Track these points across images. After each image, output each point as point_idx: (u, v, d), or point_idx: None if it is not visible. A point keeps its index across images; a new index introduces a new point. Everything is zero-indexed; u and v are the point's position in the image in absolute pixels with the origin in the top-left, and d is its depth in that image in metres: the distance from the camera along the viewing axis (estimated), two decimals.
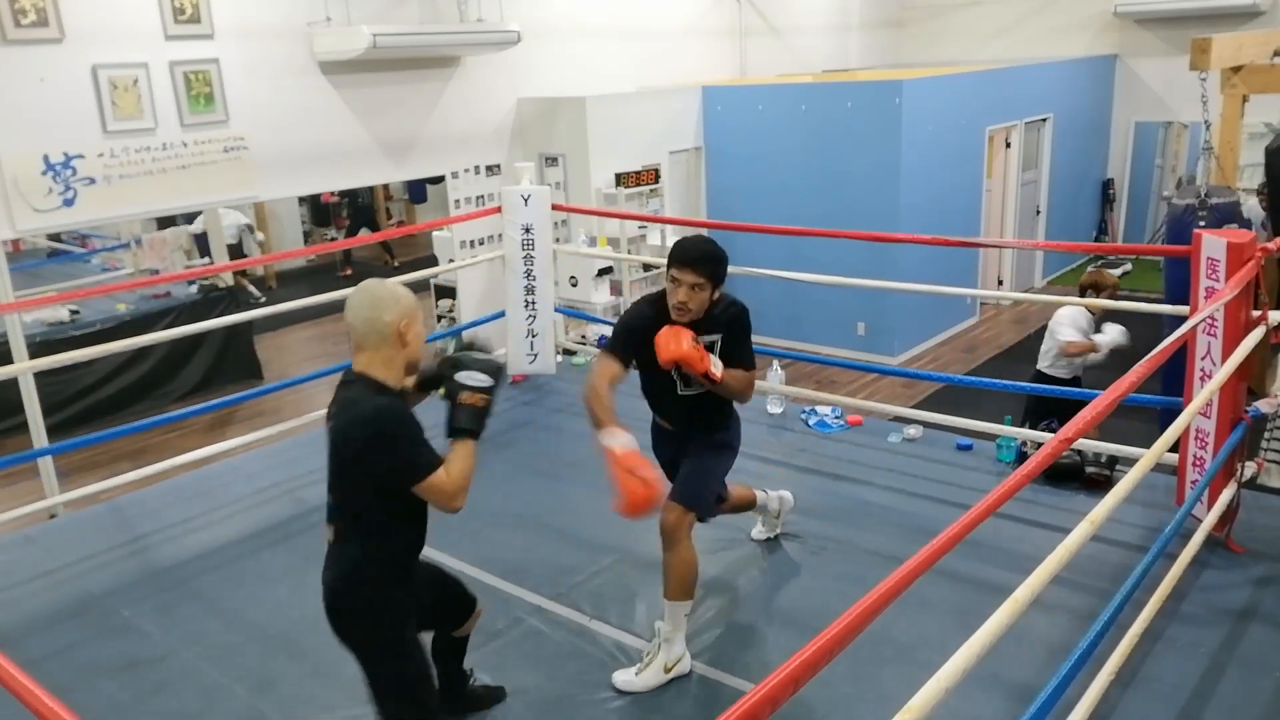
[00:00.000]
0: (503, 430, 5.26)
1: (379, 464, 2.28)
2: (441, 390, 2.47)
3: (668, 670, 3.12)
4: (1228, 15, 10.02)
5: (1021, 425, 4.97)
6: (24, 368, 4.98)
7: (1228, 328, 3.46)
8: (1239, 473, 3.58)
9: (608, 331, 6.67)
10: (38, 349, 6.61)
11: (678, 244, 3.08)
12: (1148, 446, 2.57)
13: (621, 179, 8.27)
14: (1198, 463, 3.72)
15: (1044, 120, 10.57)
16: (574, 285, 7.77)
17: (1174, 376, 3.96)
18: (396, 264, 13.03)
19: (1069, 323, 5.36)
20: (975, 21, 12.07)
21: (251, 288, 11.54)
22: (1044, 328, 5.64)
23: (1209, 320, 3.45)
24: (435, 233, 8.59)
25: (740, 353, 3.22)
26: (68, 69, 5.47)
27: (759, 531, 4.01)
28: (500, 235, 5.86)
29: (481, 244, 7.66)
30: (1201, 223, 4.93)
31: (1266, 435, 3.63)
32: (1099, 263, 10.60)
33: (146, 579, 3.97)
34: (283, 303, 5.30)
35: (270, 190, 6.62)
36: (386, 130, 7.08)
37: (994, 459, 4.54)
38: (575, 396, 5.74)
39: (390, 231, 13.40)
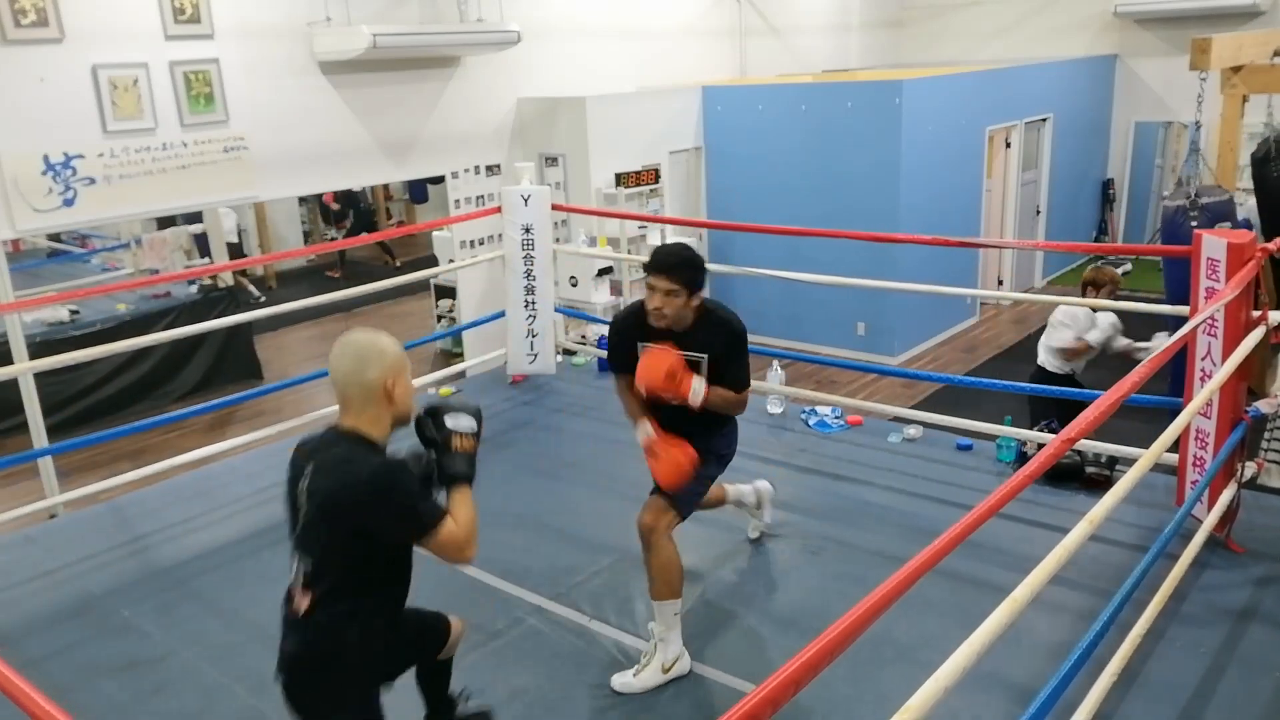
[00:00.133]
0: (503, 430, 5.26)
1: (384, 524, 2.17)
2: (429, 438, 2.37)
3: (666, 670, 3.12)
4: (1228, 15, 10.02)
5: (1031, 422, 5.02)
6: (24, 368, 4.98)
7: (1228, 328, 3.46)
8: (1239, 473, 3.58)
9: (607, 331, 6.69)
10: (38, 349, 6.61)
11: (653, 251, 3.14)
12: (1148, 446, 2.57)
13: (621, 179, 8.27)
14: (1198, 463, 3.72)
15: (1044, 120, 10.57)
16: (574, 285, 7.77)
17: (1181, 377, 3.96)
18: (398, 264, 13.03)
19: (1069, 321, 5.39)
20: (975, 21, 12.08)
21: (251, 287, 11.55)
22: (1044, 328, 5.65)
23: (1209, 320, 3.44)
24: (435, 233, 8.60)
25: (731, 372, 3.17)
26: (68, 69, 5.47)
27: (754, 529, 4.01)
28: (500, 235, 5.85)
29: (481, 244, 7.66)
30: (1194, 223, 4.93)
31: (1266, 435, 3.63)
32: (1099, 263, 10.60)
33: (146, 579, 3.97)
34: (283, 303, 5.30)
35: (270, 190, 6.62)
36: (386, 130, 7.08)
37: (994, 459, 4.54)
38: (575, 396, 5.75)
39: (389, 232, 13.42)
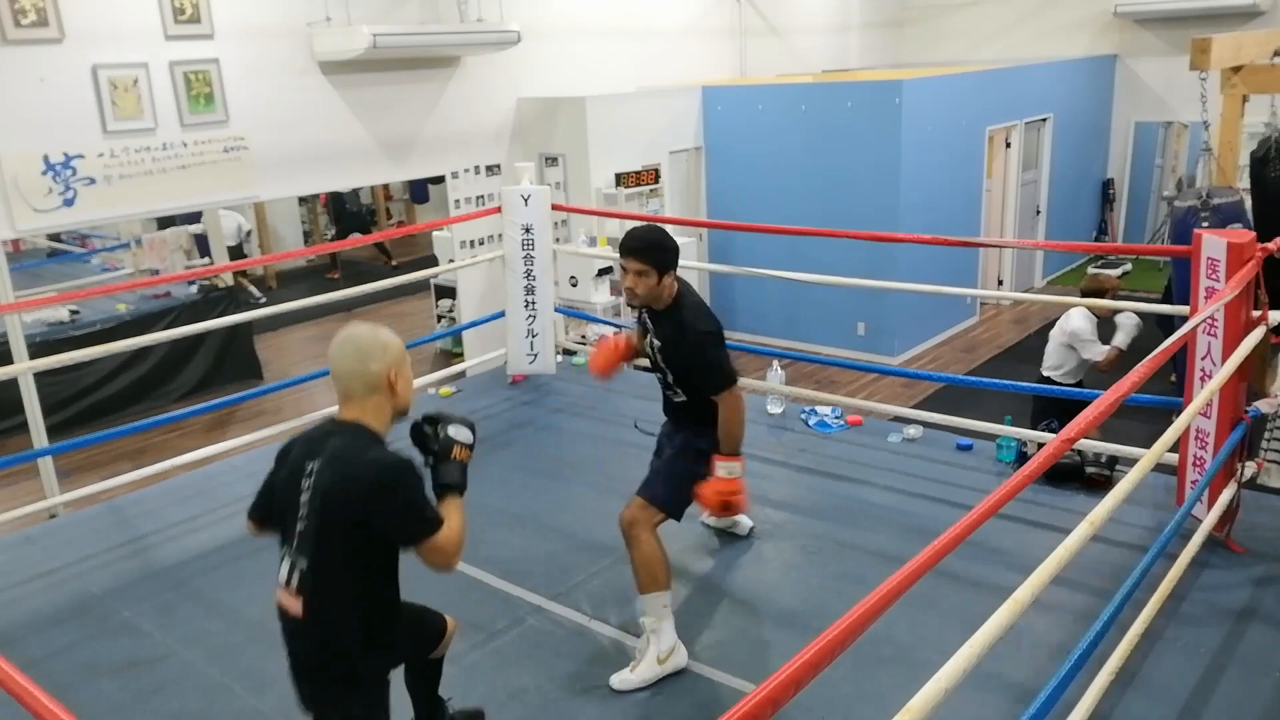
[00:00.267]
0: (503, 430, 5.26)
1: (387, 519, 2.14)
2: (428, 444, 2.37)
3: (661, 661, 3.13)
4: (1228, 15, 10.02)
5: (1032, 424, 5.02)
6: (24, 368, 4.97)
7: (1228, 328, 3.46)
8: (1239, 473, 3.58)
9: (608, 331, 6.71)
10: (38, 349, 6.61)
11: (625, 233, 3.22)
12: (1148, 446, 2.57)
13: (621, 179, 8.28)
14: (1198, 463, 3.72)
15: (1044, 120, 10.57)
16: (574, 285, 7.77)
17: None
18: (394, 264, 13.03)
19: (1092, 336, 5.36)
20: (975, 21, 12.08)
21: (251, 287, 11.55)
22: (1044, 328, 5.64)
23: (1209, 320, 3.44)
24: (435, 233, 8.60)
25: (702, 378, 3.19)
26: (68, 69, 5.48)
27: (713, 519, 4.05)
28: (500, 235, 5.85)
29: (481, 244, 7.66)
30: (1205, 223, 4.92)
31: (1266, 435, 3.63)
32: (1099, 263, 10.60)
33: (146, 579, 3.97)
34: (283, 303, 5.30)
35: (270, 190, 6.62)
36: (386, 130, 7.08)
37: (994, 459, 4.54)
38: (575, 396, 5.75)
39: (388, 232, 13.42)
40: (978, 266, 9.93)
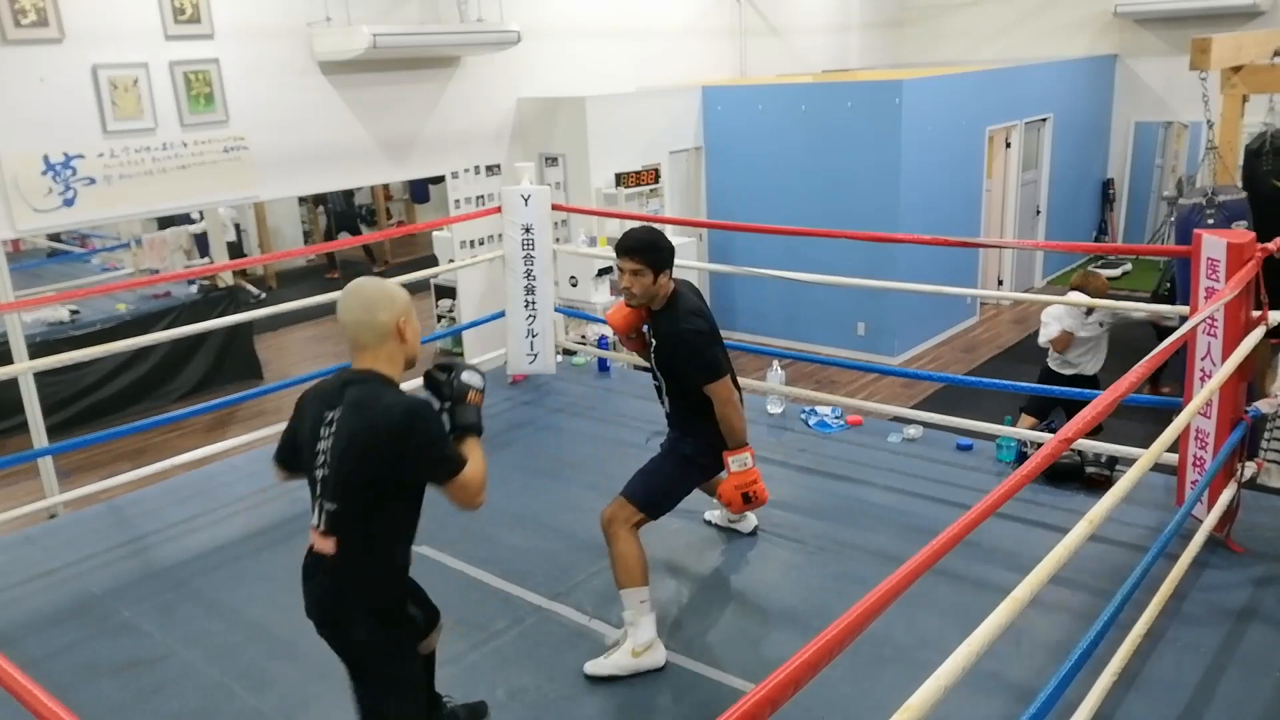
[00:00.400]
0: (503, 430, 5.26)
1: (414, 460, 2.22)
2: (442, 390, 2.45)
3: (636, 655, 3.15)
4: (1228, 15, 10.02)
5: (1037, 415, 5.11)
6: (24, 368, 4.97)
7: (1228, 328, 3.46)
8: (1239, 473, 3.58)
9: (608, 331, 6.70)
10: (38, 349, 6.61)
11: (622, 234, 3.29)
12: (1148, 447, 2.57)
13: (621, 179, 8.27)
14: (1198, 463, 3.72)
15: (1044, 120, 10.57)
16: (574, 285, 7.77)
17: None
18: (376, 268, 12.97)
19: (1052, 319, 5.55)
20: (975, 21, 12.08)
21: (251, 287, 11.56)
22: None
23: (1209, 320, 3.44)
24: (435, 233, 8.60)
25: (691, 375, 3.24)
26: (68, 69, 5.47)
27: (716, 516, 4.08)
28: (500, 235, 5.85)
29: (481, 244, 7.66)
30: (1210, 220, 4.92)
31: (1266, 435, 3.63)
32: (1099, 263, 10.61)
33: (146, 579, 3.97)
34: (283, 303, 5.30)
35: (270, 190, 6.62)
36: (386, 130, 7.08)
37: (994, 459, 4.54)
38: (575, 396, 5.75)
39: (388, 231, 13.39)
40: (978, 266, 9.93)
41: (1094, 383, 5.60)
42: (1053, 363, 5.66)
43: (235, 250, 10.82)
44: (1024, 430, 4.66)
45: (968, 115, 9.21)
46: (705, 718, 2.99)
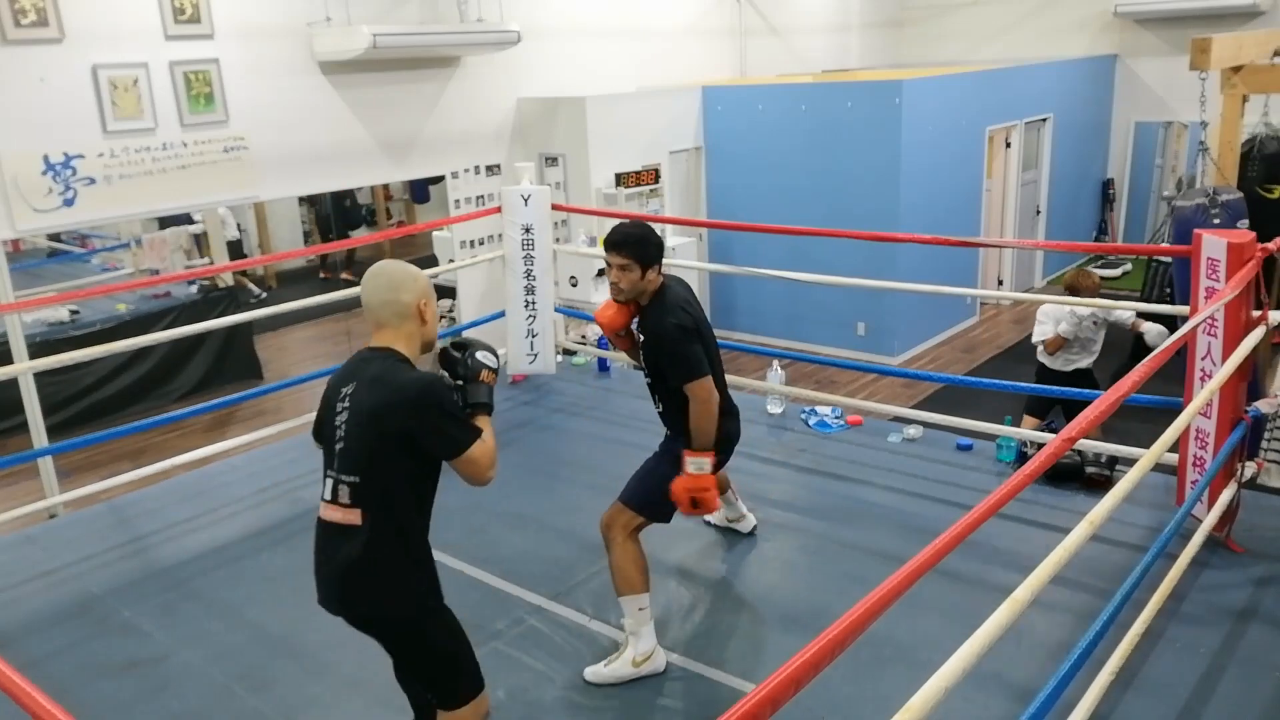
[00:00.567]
0: (503, 430, 5.25)
1: (428, 433, 2.28)
2: (456, 368, 2.49)
3: (637, 664, 3.14)
4: (1228, 15, 10.02)
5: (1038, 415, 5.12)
6: (24, 368, 4.97)
7: (1228, 328, 3.46)
8: (1239, 473, 3.58)
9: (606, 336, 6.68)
10: (38, 349, 6.60)
11: (610, 229, 3.28)
12: (1148, 446, 2.57)
13: (621, 179, 8.27)
14: (1198, 463, 3.72)
15: (1044, 120, 10.57)
16: (574, 285, 7.77)
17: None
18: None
19: (1046, 319, 5.56)
20: (975, 21, 12.07)
21: (252, 286, 11.56)
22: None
23: (1209, 320, 3.44)
24: (435, 233, 8.59)
25: (672, 369, 3.19)
26: (68, 69, 5.47)
27: (715, 516, 4.03)
28: (500, 235, 5.85)
29: (481, 244, 7.66)
30: (1216, 221, 4.94)
31: (1266, 435, 3.63)
32: (1099, 263, 10.61)
33: (146, 579, 3.97)
34: (283, 303, 5.30)
35: (270, 190, 6.62)
36: (386, 130, 7.08)
37: (994, 459, 4.54)
38: (575, 396, 5.75)
39: (388, 232, 13.35)
40: (978, 266, 9.93)
41: (1090, 376, 5.61)
42: (1044, 359, 5.67)
43: (236, 250, 10.80)
44: (1024, 430, 4.66)
45: (968, 115, 9.20)
46: (705, 718, 2.99)
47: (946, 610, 3.30)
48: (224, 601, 3.77)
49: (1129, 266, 11.03)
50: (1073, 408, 2.51)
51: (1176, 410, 3.46)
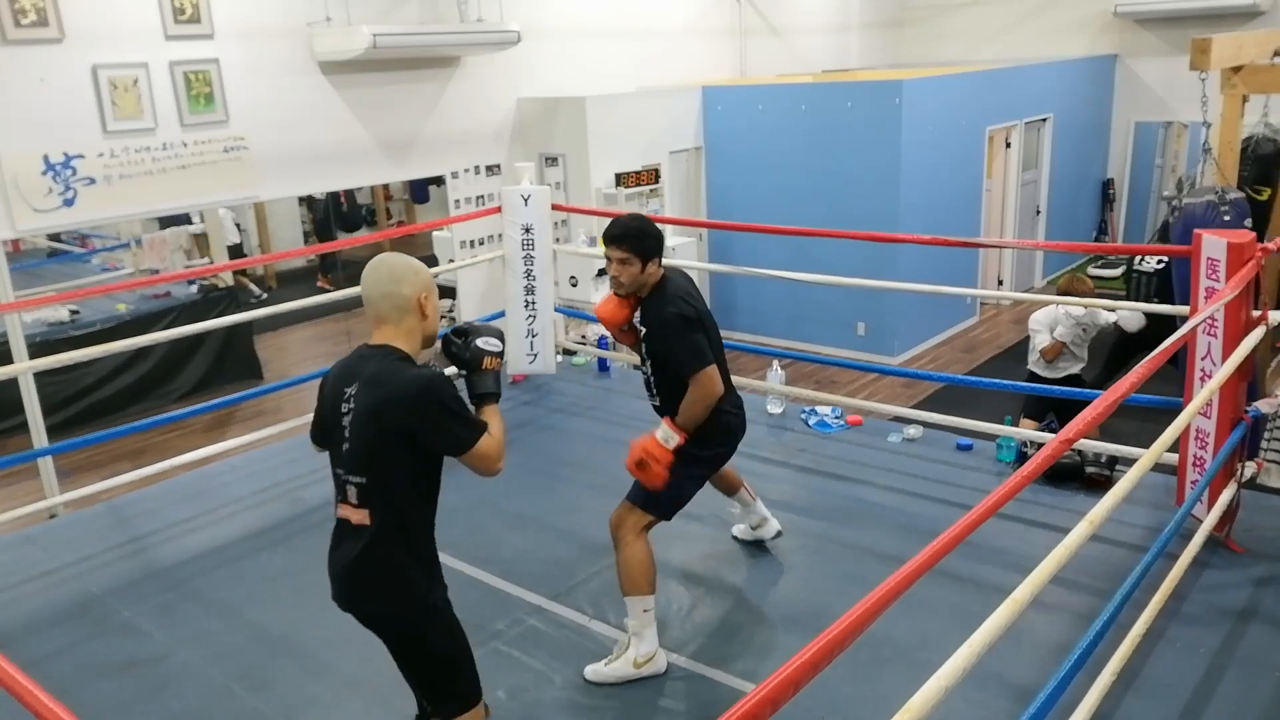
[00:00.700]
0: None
1: (432, 431, 2.26)
2: (458, 357, 2.47)
3: (638, 665, 3.13)
4: (1228, 15, 10.01)
5: (1032, 419, 5.11)
6: (24, 368, 4.97)
7: (1228, 328, 3.46)
8: (1239, 473, 3.58)
9: (607, 331, 6.69)
10: (38, 349, 6.60)
11: (609, 222, 3.25)
12: (1148, 447, 2.57)
13: (621, 179, 8.28)
14: (1198, 463, 3.71)
15: (1044, 120, 10.57)
16: (574, 285, 7.77)
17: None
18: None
19: (1042, 327, 5.60)
20: (975, 21, 12.07)
21: (252, 286, 11.55)
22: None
23: (1209, 320, 3.44)
24: (435, 233, 8.59)
25: (676, 359, 3.18)
26: (68, 69, 5.47)
27: (741, 530, 4.01)
28: (500, 235, 5.85)
29: (481, 244, 7.66)
30: (1226, 218, 4.95)
31: (1266, 435, 3.63)
32: (1099, 263, 10.61)
33: (146, 579, 3.97)
34: (283, 303, 5.30)
35: (270, 190, 6.63)
36: (386, 130, 7.08)
37: (994, 459, 4.54)
38: (575, 396, 5.75)
39: (388, 232, 13.35)
40: (978, 266, 9.93)
41: (1081, 383, 5.62)
42: (1038, 368, 5.67)
43: (236, 253, 10.80)
44: (1024, 430, 4.66)
45: (968, 115, 9.21)
46: (705, 718, 2.99)
47: (946, 610, 3.29)
48: (224, 601, 3.77)
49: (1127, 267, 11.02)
50: (1068, 414, 2.51)
51: (1176, 410, 3.46)
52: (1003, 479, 1.95)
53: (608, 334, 6.59)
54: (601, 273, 7.83)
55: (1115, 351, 6.85)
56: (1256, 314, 3.48)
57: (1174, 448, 3.48)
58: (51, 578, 4.00)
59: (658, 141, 8.78)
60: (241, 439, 5.01)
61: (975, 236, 9.44)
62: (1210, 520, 3.50)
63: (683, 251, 8.48)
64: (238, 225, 11.55)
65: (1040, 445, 4.17)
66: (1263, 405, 3.54)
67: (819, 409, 5.18)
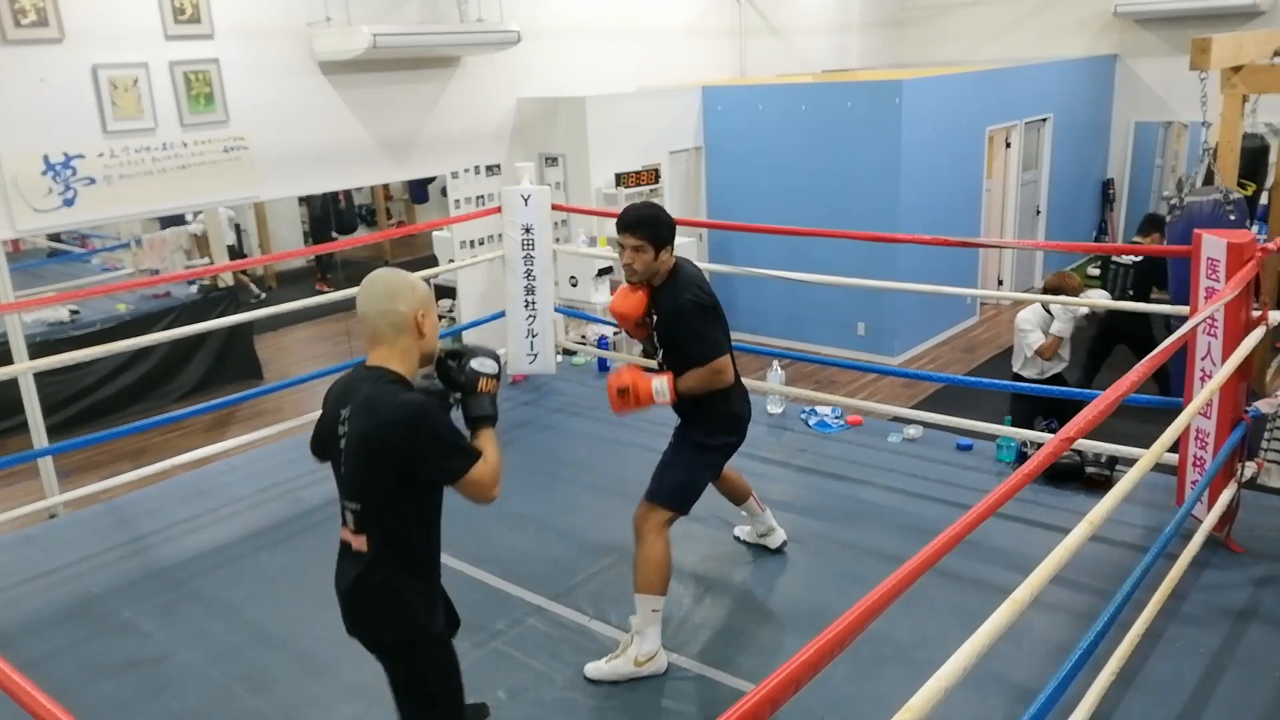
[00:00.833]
0: (503, 430, 5.23)
1: (424, 459, 2.20)
2: (453, 380, 2.41)
3: (639, 664, 3.13)
4: (1228, 15, 10.01)
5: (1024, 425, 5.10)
6: (24, 368, 4.97)
7: (1228, 328, 3.46)
8: (1239, 473, 3.58)
9: (608, 331, 6.70)
10: (38, 349, 6.61)
11: (622, 210, 3.27)
12: (1148, 447, 2.57)
13: (621, 179, 8.27)
14: (1198, 463, 3.72)
15: (1044, 120, 10.56)
16: (574, 285, 7.77)
17: (1180, 375, 3.97)
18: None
19: (1032, 326, 5.63)
20: (975, 21, 12.07)
21: (252, 286, 11.55)
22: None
23: (1209, 320, 3.44)
24: (435, 233, 8.59)
25: (688, 346, 3.19)
26: (68, 69, 5.47)
27: (745, 532, 4.01)
28: (500, 235, 5.85)
29: (481, 244, 7.66)
30: (1232, 216, 4.96)
31: (1266, 435, 3.63)
32: (1098, 263, 10.60)
33: (146, 579, 3.97)
34: (283, 303, 5.30)
35: (270, 190, 6.62)
36: (386, 130, 7.08)
37: (994, 459, 4.54)
38: (575, 396, 5.75)
39: (388, 232, 13.36)
40: (978, 266, 9.93)
41: (1065, 382, 5.63)
42: (1026, 370, 5.66)
43: (235, 255, 10.80)
44: (1024, 430, 4.66)
45: (968, 115, 9.20)
46: (705, 718, 2.99)
47: (947, 610, 3.30)
48: (224, 601, 3.77)
49: None
50: (1067, 415, 2.52)
51: (1176, 410, 3.46)
52: (1002, 479, 1.95)
53: (608, 334, 6.62)
54: (602, 272, 7.84)
55: (1094, 347, 6.87)
56: (1256, 314, 3.48)
57: (1174, 448, 3.48)
58: (51, 578, 4.00)
59: (658, 141, 8.78)
60: (241, 439, 5.01)
61: (975, 236, 9.43)
62: (1210, 520, 3.50)
63: (682, 252, 8.39)
64: (237, 226, 11.56)
65: (1040, 445, 4.18)
66: (1263, 405, 3.54)
67: (819, 409, 5.18)
